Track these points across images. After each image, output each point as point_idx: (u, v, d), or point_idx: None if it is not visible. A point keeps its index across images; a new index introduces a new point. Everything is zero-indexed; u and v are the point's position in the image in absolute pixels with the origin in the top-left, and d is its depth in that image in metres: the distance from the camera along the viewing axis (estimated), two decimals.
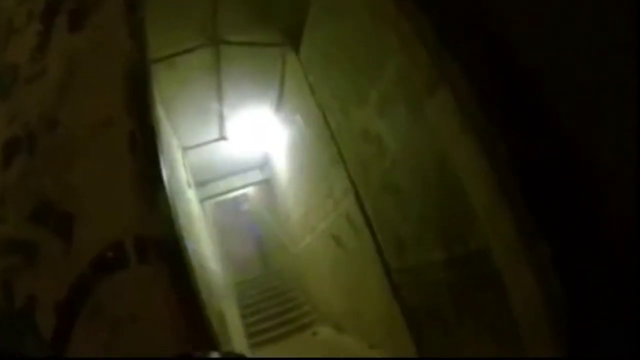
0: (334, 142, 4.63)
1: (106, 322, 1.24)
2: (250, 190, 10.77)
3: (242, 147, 7.71)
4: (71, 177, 1.46)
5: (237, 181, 9.30)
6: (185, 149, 6.67)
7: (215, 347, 1.24)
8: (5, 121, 1.61)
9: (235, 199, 11.83)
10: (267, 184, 9.62)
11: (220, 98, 5.63)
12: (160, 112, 4.42)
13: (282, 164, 7.67)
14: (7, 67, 1.74)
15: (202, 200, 8.30)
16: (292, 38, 4.72)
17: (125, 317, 1.24)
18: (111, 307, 1.25)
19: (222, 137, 6.90)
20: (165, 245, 1.33)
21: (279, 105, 6.25)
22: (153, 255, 1.31)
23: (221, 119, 6.28)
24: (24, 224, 1.40)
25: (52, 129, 1.55)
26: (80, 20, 1.78)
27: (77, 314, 1.24)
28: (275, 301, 9.17)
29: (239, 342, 4.64)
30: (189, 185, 5.86)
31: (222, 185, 9.15)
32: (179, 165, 5.24)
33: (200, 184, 8.31)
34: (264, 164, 9.10)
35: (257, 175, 9.46)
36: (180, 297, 1.27)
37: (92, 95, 1.60)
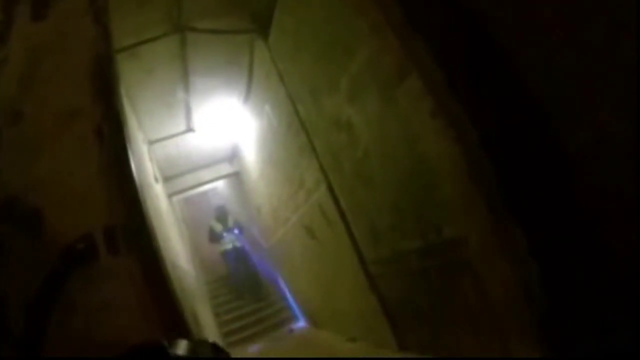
0: (305, 131, 4.56)
1: (79, 314, 1.21)
2: (219, 183, 10.60)
3: (210, 139, 7.55)
4: (37, 171, 1.41)
5: (205, 175, 9.11)
6: (151, 143, 6.49)
7: (188, 335, 1.23)
8: None
9: (205, 193, 11.61)
10: (237, 177, 9.48)
11: (186, 88, 5.46)
12: (125, 104, 4.28)
13: (251, 156, 7.56)
14: None
15: (170, 196, 8.11)
16: (261, 25, 4.61)
17: (98, 308, 1.22)
18: (83, 299, 1.23)
19: (189, 129, 6.73)
20: (134, 235, 1.32)
21: (248, 95, 6.13)
22: (123, 245, 1.30)
23: (188, 110, 6.11)
24: None
25: (16, 122, 1.49)
26: (43, 8, 1.72)
27: (50, 308, 1.22)
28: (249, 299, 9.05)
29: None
30: (156, 180, 5.70)
31: (190, 179, 8.96)
32: (145, 160, 5.08)
33: (167, 178, 8.12)
34: (233, 156, 8.95)
35: (226, 168, 9.30)
36: (151, 286, 1.26)
37: (57, 86, 1.54)
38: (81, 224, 1.32)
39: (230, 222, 9.00)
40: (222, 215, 9.12)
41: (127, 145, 1.46)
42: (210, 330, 4.95)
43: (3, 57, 1.63)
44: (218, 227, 8.94)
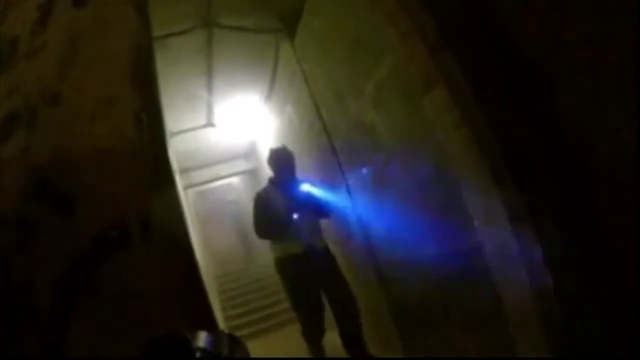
0: (326, 133, 4.57)
1: (108, 300, 1.20)
2: (235, 179, 10.69)
3: (229, 135, 7.62)
4: (73, 154, 1.40)
5: (222, 170, 9.19)
6: (170, 134, 6.57)
7: (215, 327, 1.23)
8: (4, 94, 1.52)
9: (220, 188, 11.69)
10: (253, 174, 9.54)
11: (209, 83, 5.52)
12: None
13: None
14: (5, 39, 1.66)
15: (185, 188, 8.20)
16: (288, 25, 4.64)
17: (127, 297, 1.21)
18: (113, 286, 1.21)
19: (210, 124, 6.79)
20: (169, 226, 1.30)
21: (270, 94, 6.18)
22: (157, 235, 1.28)
23: (209, 105, 6.17)
24: (22, 200, 1.33)
25: (54, 104, 1.48)
26: None
27: (78, 292, 1.20)
28: (258, 295, 9.08)
29: None
30: (174, 172, 5.77)
31: (206, 174, 9.04)
32: None
33: (183, 170, 8.20)
34: (251, 153, 9.02)
35: (243, 165, 9.38)
36: (182, 277, 1.25)
37: (97, 72, 1.53)
38: (115, 211, 1.31)
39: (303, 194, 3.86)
40: (286, 175, 4.05)
41: (165, 135, 1.47)
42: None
43: (43, 41, 1.62)
44: (278, 202, 3.84)
